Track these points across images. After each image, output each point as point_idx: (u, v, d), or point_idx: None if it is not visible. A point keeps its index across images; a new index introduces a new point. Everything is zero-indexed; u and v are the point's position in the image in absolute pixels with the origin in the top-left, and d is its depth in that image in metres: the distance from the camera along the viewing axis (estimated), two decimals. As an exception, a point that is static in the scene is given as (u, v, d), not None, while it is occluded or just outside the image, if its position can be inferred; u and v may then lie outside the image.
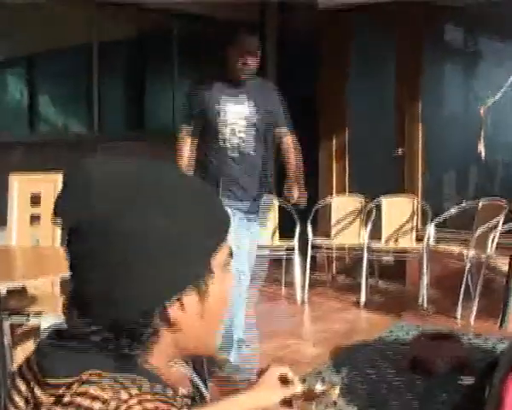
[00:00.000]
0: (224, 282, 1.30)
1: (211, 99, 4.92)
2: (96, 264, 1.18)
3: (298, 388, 1.93)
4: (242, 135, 4.86)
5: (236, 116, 4.87)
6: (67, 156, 7.70)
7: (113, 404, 1.09)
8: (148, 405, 1.11)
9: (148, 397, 1.13)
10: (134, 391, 1.11)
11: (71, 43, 8.75)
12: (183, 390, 1.32)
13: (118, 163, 1.27)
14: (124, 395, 1.10)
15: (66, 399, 1.12)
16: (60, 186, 1.21)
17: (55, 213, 1.21)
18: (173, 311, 1.22)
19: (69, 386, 1.13)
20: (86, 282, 1.19)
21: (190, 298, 1.24)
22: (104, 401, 1.09)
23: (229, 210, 1.37)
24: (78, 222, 1.18)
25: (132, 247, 1.18)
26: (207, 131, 4.94)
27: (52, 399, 1.14)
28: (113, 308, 1.18)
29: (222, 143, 4.85)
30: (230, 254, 1.31)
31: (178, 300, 1.22)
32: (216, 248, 1.28)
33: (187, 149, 5.00)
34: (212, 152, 4.93)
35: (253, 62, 4.89)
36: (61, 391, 1.14)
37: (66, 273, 1.25)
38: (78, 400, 1.10)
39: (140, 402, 1.11)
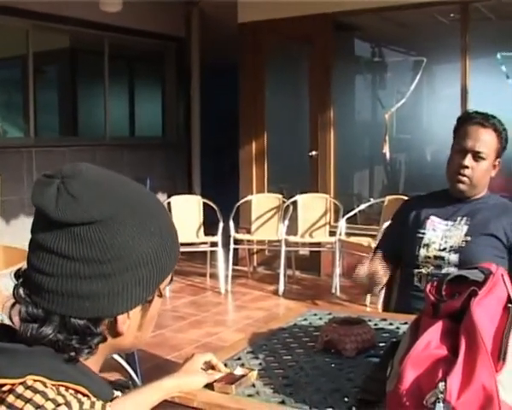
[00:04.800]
0: (159, 302, 1.30)
1: None
2: (68, 262, 1.14)
3: (222, 371, 1.94)
4: None
5: None
6: (5, 160, 7.57)
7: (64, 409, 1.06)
8: None
9: (100, 405, 1.11)
10: (75, 407, 1.08)
11: (8, 54, 8.59)
12: (117, 393, 1.30)
13: (107, 174, 1.22)
14: (74, 403, 1.07)
15: (11, 400, 1.07)
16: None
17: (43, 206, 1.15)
18: (120, 322, 1.20)
19: (12, 387, 1.09)
20: (52, 276, 1.14)
21: (136, 312, 1.23)
22: (57, 404, 1.06)
23: None
24: (65, 223, 1.13)
25: (109, 256, 1.15)
26: None
27: None
28: (68, 308, 1.15)
29: None
30: (170, 281, 1.30)
31: (127, 314, 1.21)
32: (169, 274, 1.28)
33: None
34: None
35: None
36: (4, 389, 1.09)
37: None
38: (22, 405, 1.06)
39: None
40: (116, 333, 1.22)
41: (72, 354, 1.17)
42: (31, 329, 1.15)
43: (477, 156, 2.93)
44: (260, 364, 2.13)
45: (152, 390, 1.81)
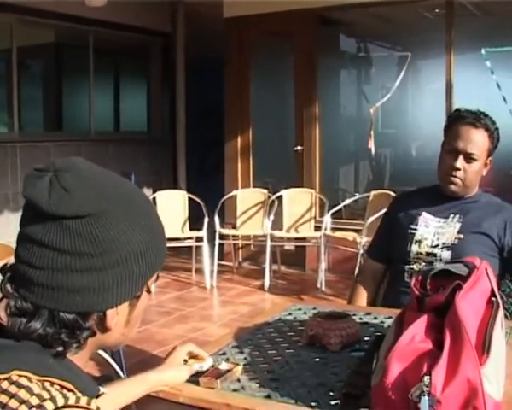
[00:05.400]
0: (146, 299, 1.30)
1: None
2: (59, 255, 1.13)
3: (208, 361, 1.95)
4: None
5: None
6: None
7: (50, 404, 1.05)
8: None
9: (85, 400, 1.10)
10: (60, 402, 1.07)
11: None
12: (103, 390, 1.29)
13: (99, 169, 1.22)
14: (49, 407, 1.06)
15: (5, 385, 1.07)
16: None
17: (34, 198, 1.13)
18: (109, 317, 1.20)
19: None
20: (42, 269, 1.14)
21: (124, 308, 1.23)
22: (31, 407, 1.05)
23: None
24: (56, 216, 1.13)
25: (101, 250, 1.15)
26: None
27: None
28: (58, 302, 1.15)
29: None
30: (157, 278, 1.31)
31: (116, 310, 1.21)
32: (157, 270, 1.28)
33: None
34: None
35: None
36: None
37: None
38: (7, 400, 1.05)
39: (75, 406, 1.07)
40: (104, 328, 1.22)
41: (61, 348, 1.16)
42: (19, 323, 1.15)
43: (469, 158, 2.90)
44: (245, 358, 2.13)
45: (135, 383, 1.81)
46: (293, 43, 8.50)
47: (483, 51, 7.60)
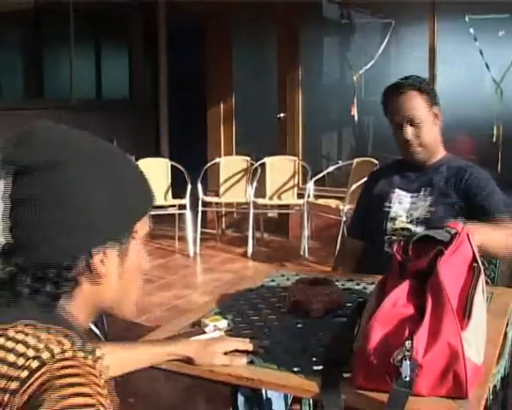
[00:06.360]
0: (140, 254, 1.31)
1: None
2: (32, 207, 1.15)
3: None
4: None
5: None
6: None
7: (46, 354, 1.05)
8: (77, 362, 1.08)
9: (82, 354, 1.10)
10: (67, 345, 1.08)
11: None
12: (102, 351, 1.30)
13: (61, 126, 1.27)
14: (45, 355, 1.06)
15: (1, 341, 1.08)
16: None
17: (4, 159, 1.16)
18: (97, 261, 1.20)
19: (5, 331, 1.09)
20: (19, 225, 1.15)
21: (112, 255, 1.23)
22: (28, 359, 1.05)
23: None
24: (24, 168, 1.15)
25: (70, 195, 1.16)
26: None
27: None
28: (41, 252, 1.15)
29: None
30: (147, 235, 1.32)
31: (103, 253, 1.20)
32: (139, 217, 1.29)
33: None
34: None
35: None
36: None
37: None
38: (14, 345, 1.07)
39: (72, 358, 1.08)
40: (96, 275, 1.21)
41: (48, 299, 1.16)
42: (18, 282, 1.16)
43: (413, 123, 2.93)
44: (228, 324, 2.14)
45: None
46: (275, 9, 8.43)
47: (467, 19, 7.57)
